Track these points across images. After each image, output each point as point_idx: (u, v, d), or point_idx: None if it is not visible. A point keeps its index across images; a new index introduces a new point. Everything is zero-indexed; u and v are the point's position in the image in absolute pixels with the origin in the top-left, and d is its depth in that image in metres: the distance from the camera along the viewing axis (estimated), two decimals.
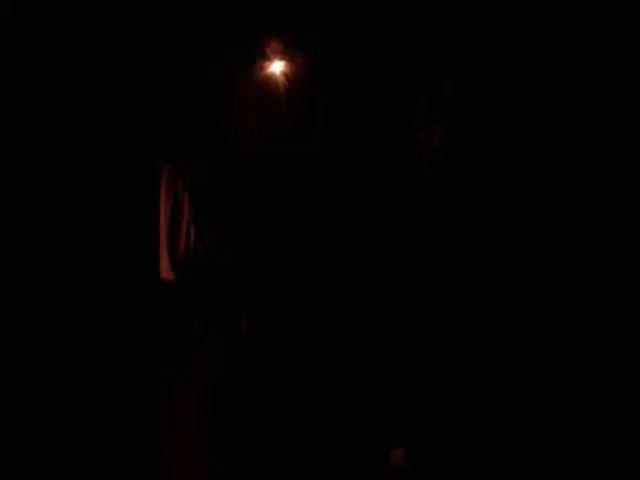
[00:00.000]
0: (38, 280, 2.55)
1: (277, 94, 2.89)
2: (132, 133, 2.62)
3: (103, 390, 2.62)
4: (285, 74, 2.88)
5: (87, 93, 2.51)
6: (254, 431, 2.90)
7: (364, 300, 2.91)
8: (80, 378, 2.59)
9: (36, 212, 2.54)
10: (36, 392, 2.55)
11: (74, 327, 2.58)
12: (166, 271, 2.86)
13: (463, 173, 2.86)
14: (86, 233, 2.61)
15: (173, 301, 2.86)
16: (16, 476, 2.49)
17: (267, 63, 2.87)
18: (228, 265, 2.91)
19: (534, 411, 2.58)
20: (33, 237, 2.55)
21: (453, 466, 2.77)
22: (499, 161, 2.70)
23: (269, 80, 2.88)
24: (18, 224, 2.51)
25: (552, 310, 2.59)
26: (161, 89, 2.73)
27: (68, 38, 2.42)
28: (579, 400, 2.54)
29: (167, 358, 2.81)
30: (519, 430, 2.59)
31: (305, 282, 2.95)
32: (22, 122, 2.46)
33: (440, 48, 2.90)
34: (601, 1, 2.57)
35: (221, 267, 2.91)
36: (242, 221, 2.93)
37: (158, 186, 2.81)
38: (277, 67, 2.88)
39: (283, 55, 2.87)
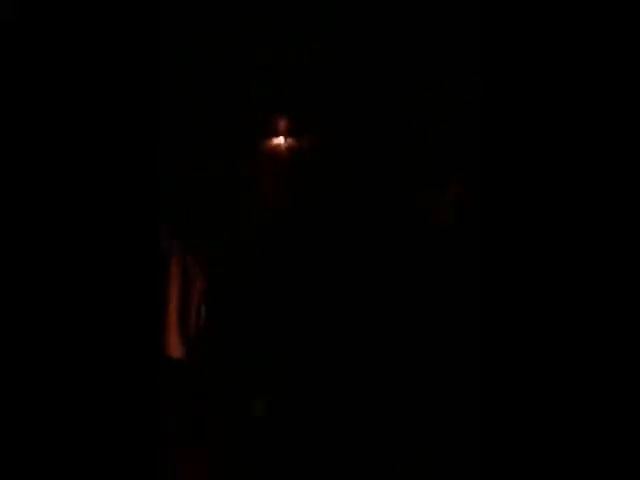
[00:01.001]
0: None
1: (283, 168, 2.73)
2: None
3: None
4: (291, 149, 2.75)
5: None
6: None
7: (381, 378, 2.64)
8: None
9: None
10: None
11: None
12: (176, 349, 2.46)
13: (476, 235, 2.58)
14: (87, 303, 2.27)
15: (184, 380, 2.42)
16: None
17: (274, 139, 2.75)
18: (240, 345, 2.54)
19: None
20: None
21: None
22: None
23: (275, 154, 2.74)
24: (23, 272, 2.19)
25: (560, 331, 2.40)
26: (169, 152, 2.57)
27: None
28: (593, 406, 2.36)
29: (179, 438, 2.50)
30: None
31: (317, 360, 2.64)
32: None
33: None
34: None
35: (232, 346, 2.53)
36: (254, 298, 2.60)
37: (166, 263, 2.51)
38: (283, 142, 2.76)
39: (289, 132, 2.77)
